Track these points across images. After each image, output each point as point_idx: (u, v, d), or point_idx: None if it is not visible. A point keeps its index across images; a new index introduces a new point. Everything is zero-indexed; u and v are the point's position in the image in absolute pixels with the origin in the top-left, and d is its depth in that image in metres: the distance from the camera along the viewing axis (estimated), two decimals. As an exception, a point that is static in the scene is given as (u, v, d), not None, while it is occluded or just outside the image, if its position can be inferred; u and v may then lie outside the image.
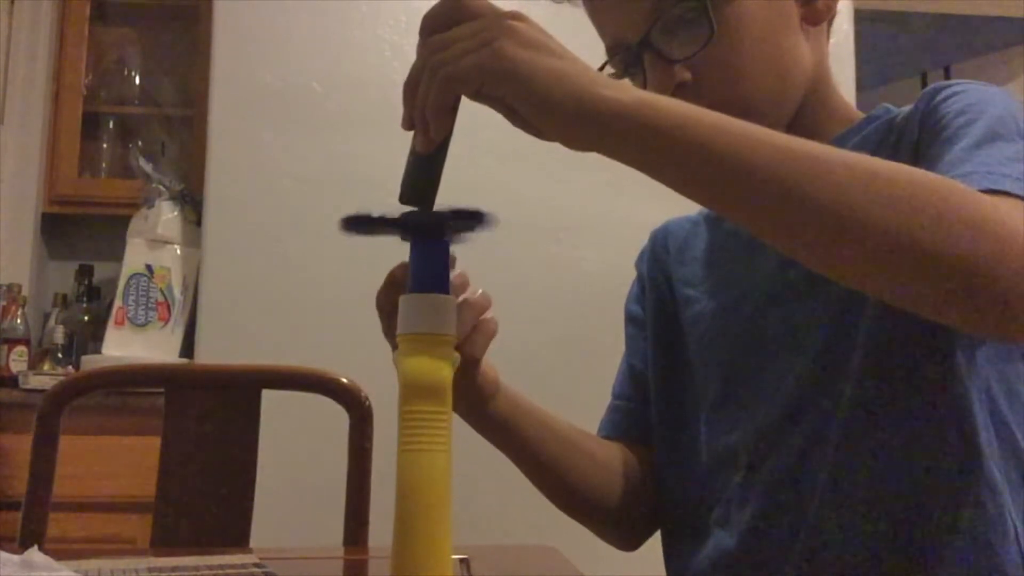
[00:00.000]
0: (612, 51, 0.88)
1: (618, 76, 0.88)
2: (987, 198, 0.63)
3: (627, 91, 0.63)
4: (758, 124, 0.84)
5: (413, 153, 0.66)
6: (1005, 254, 0.59)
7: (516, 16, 0.63)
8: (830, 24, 0.91)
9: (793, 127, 0.86)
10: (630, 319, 1.05)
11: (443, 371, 0.63)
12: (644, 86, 0.86)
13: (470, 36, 0.62)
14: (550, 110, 0.61)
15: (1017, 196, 0.65)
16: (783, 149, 0.62)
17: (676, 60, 0.83)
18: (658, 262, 1.02)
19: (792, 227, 0.63)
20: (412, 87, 0.64)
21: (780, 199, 0.62)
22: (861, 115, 0.90)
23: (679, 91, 0.83)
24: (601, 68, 0.87)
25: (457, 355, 0.64)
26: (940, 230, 0.59)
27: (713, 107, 0.83)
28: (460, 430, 0.69)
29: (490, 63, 0.61)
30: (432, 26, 0.64)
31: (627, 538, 1.00)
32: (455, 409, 0.80)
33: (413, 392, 0.62)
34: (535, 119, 0.62)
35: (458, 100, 0.63)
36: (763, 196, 0.62)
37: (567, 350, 2.03)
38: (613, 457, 0.97)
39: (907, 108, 0.85)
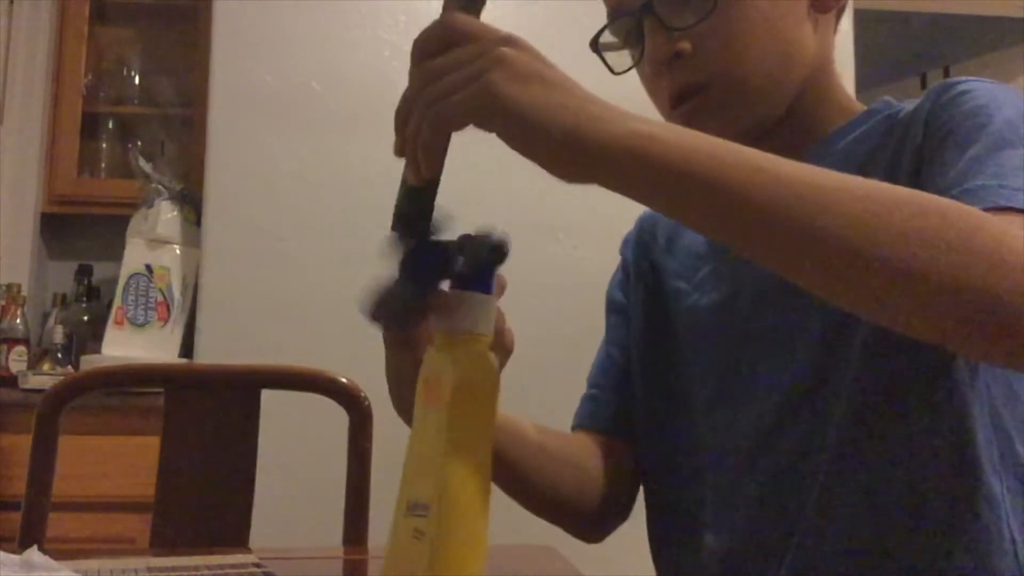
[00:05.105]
0: (613, 16, 0.87)
1: (618, 44, 0.88)
2: (998, 223, 0.61)
3: (621, 122, 0.60)
4: (755, 104, 0.84)
5: (405, 183, 0.65)
6: (1018, 283, 0.58)
7: (508, 41, 0.61)
8: (839, 16, 0.90)
9: (791, 114, 0.86)
10: (612, 306, 1.03)
11: (494, 371, 0.62)
12: (641, 56, 0.85)
13: (462, 65, 0.60)
14: (539, 146, 0.60)
15: None
16: (788, 180, 0.60)
17: (676, 29, 0.82)
18: (644, 249, 1.00)
19: (800, 260, 0.62)
20: (404, 117, 0.62)
21: (786, 233, 0.60)
22: (862, 108, 0.89)
23: (676, 61, 0.83)
24: (599, 33, 0.87)
25: (494, 356, 0.64)
26: (952, 261, 0.58)
27: (710, 80, 0.83)
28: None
29: (479, 100, 0.59)
30: (423, 51, 0.62)
31: (588, 530, 0.98)
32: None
33: (467, 392, 0.61)
34: (526, 154, 0.60)
35: (449, 135, 0.62)
36: (766, 230, 0.60)
37: (567, 350, 2.03)
38: (568, 447, 0.95)
39: (910, 104, 0.84)
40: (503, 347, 0.71)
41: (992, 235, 0.59)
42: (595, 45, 0.89)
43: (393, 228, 0.66)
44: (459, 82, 0.59)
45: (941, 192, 0.72)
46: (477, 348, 0.62)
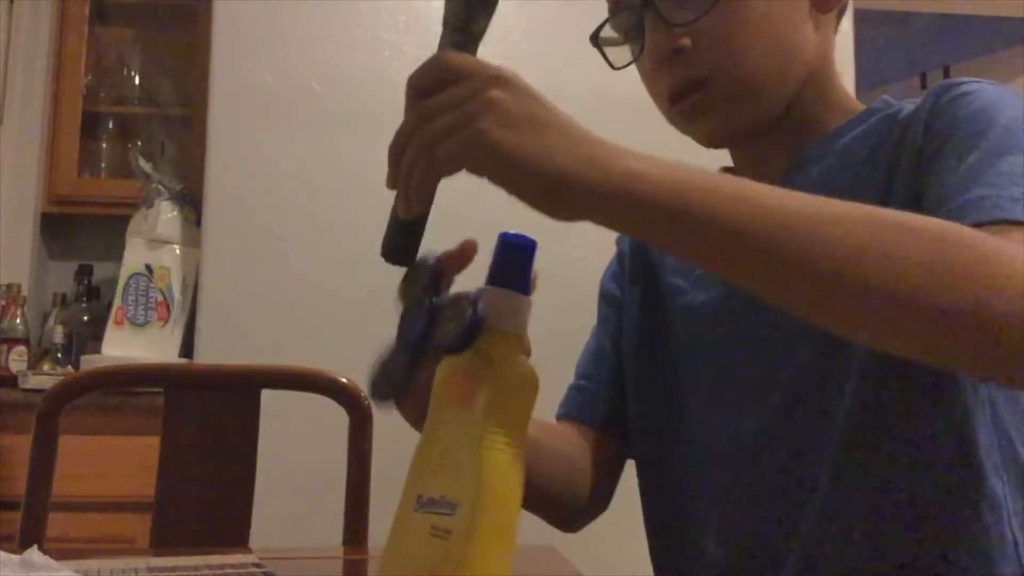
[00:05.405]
0: (614, 11, 0.87)
1: (618, 40, 0.88)
2: (995, 243, 0.60)
3: (614, 160, 0.60)
4: (754, 101, 0.84)
5: (395, 214, 0.66)
6: (1015, 307, 0.57)
7: (499, 81, 0.61)
8: (839, 16, 0.90)
9: (791, 112, 0.86)
10: (605, 298, 1.03)
11: (534, 373, 0.62)
12: (641, 51, 0.85)
13: (455, 106, 0.60)
14: (529, 191, 0.60)
15: None
16: (779, 211, 0.60)
17: (677, 24, 0.82)
18: (642, 243, 1.00)
19: (793, 291, 0.62)
20: (398, 153, 0.63)
21: (778, 265, 0.60)
22: (862, 107, 0.89)
23: (676, 57, 0.83)
24: (600, 28, 0.87)
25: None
26: (948, 286, 0.57)
27: (709, 77, 0.83)
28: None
29: (468, 148, 0.59)
30: (417, 89, 0.63)
31: (569, 521, 0.97)
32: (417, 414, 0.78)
33: (509, 392, 0.61)
34: (520, 198, 0.61)
35: (439, 179, 0.63)
36: (759, 263, 0.61)
37: (567, 349, 2.03)
38: (559, 440, 0.95)
39: (910, 103, 0.84)
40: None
41: (988, 257, 0.59)
42: (595, 40, 0.89)
43: (382, 255, 0.68)
44: (449, 127, 0.60)
45: (940, 200, 0.72)
46: (515, 348, 0.62)
